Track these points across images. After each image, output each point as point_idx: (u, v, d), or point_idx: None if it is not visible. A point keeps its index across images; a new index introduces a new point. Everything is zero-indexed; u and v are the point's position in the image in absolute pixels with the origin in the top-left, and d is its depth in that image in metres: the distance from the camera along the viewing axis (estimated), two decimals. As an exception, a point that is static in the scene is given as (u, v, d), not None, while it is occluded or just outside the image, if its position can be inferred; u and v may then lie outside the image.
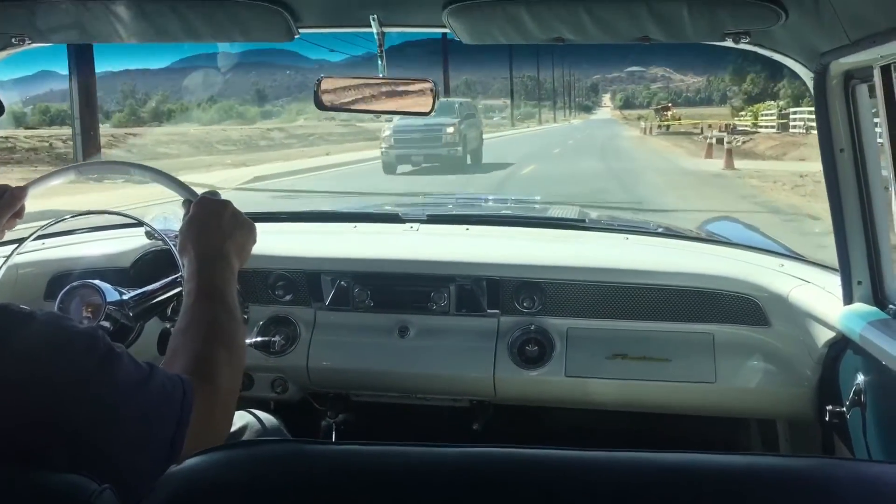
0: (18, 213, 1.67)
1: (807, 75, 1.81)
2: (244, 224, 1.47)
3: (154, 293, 1.82)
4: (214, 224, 1.42)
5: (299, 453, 0.76)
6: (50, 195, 1.85)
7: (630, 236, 2.52)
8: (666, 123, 48.56)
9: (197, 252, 1.37)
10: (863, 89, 1.75)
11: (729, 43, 1.73)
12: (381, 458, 0.73)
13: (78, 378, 0.95)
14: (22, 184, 1.68)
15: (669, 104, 66.52)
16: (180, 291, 1.68)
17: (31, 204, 1.69)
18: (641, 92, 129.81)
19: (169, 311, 1.87)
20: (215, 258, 1.37)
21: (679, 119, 51.55)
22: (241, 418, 1.94)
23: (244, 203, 1.63)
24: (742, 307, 2.18)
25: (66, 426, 0.92)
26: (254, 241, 1.49)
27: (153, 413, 1.01)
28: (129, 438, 0.98)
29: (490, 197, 3.04)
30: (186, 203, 1.56)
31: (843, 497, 0.70)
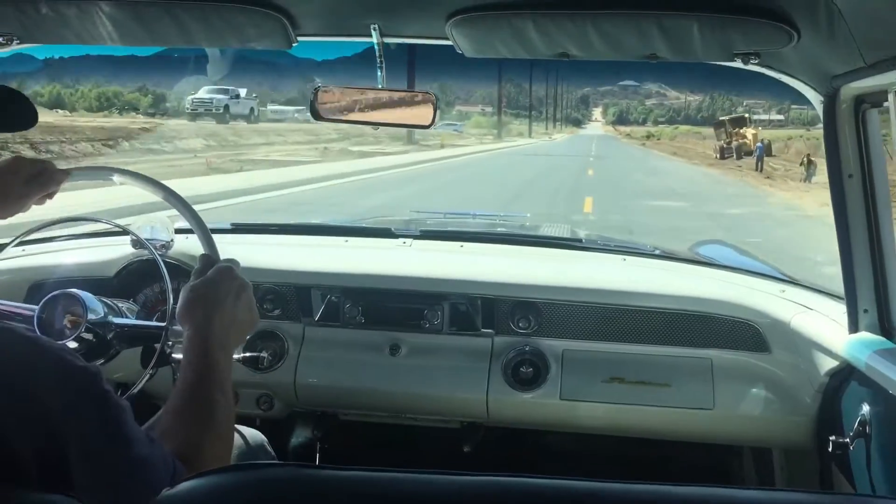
0: (50, 195, 1.63)
1: (816, 98, 1.78)
2: (253, 313, 1.42)
3: (140, 329, 1.76)
4: (231, 304, 1.36)
5: (301, 478, 0.73)
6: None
7: (627, 257, 2.47)
8: (746, 148, 30.20)
9: (207, 329, 1.31)
10: (873, 114, 1.72)
11: (738, 64, 1.69)
12: (388, 484, 0.71)
13: (73, 411, 0.91)
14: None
15: (746, 115, 38.47)
16: (163, 335, 1.64)
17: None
18: (636, 107, 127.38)
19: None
20: (224, 342, 1.32)
21: (767, 142, 29.33)
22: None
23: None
24: (742, 333, 2.14)
25: (51, 455, 0.88)
26: (252, 332, 1.46)
27: (140, 479, 0.96)
28: (109, 484, 0.94)
29: (478, 213, 2.97)
30: (205, 258, 1.49)
31: None
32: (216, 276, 1.39)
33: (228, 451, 1.28)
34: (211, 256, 1.52)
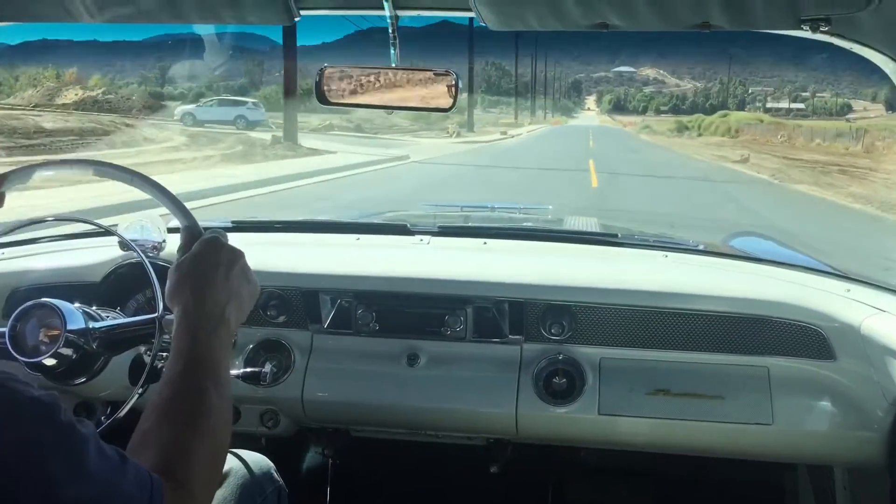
0: None
1: (894, 70, 1.56)
2: (252, 283, 1.30)
3: (125, 328, 1.56)
4: (222, 277, 1.24)
5: None
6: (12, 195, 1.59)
7: (669, 254, 2.24)
8: None
9: (197, 309, 1.19)
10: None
11: (804, 32, 1.49)
12: None
13: (26, 449, 0.81)
14: None
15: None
16: (155, 326, 1.47)
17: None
18: (634, 95, 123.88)
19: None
20: (218, 322, 1.19)
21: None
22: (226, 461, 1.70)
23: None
24: (803, 337, 1.91)
25: (6, 500, 0.78)
26: (254, 303, 1.31)
27: None
28: None
29: (496, 205, 2.77)
30: (186, 232, 1.35)
31: None
32: (201, 249, 1.27)
33: (221, 459, 1.14)
34: (192, 228, 1.38)
